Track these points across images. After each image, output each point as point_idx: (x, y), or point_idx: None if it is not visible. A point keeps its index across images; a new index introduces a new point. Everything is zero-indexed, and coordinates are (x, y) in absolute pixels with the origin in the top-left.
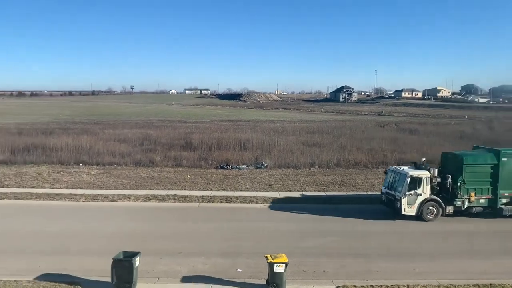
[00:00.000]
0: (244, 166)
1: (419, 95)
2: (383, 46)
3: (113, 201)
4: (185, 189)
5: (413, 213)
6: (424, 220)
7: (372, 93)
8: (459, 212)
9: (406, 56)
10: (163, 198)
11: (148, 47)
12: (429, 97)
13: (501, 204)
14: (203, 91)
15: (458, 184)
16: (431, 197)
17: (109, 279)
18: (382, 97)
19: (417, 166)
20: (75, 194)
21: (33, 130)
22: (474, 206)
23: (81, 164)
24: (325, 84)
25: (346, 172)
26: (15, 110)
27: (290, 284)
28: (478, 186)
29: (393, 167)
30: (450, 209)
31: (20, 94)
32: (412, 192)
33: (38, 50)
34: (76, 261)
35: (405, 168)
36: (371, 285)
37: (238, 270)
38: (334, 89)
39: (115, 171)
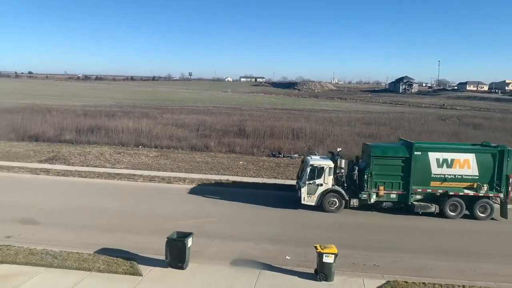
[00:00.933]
0: (296, 155)
1: (485, 88)
2: (448, 35)
3: (169, 183)
4: (237, 175)
5: (313, 203)
6: (326, 211)
7: (434, 85)
8: (370, 206)
9: (472, 47)
10: (216, 182)
11: (206, 36)
12: (496, 91)
13: (414, 201)
14: (258, 79)
15: (365, 176)
16: (333, 188)
17: (162, 257)
18: (444, 89)
19: (333, 156)
20: (134, 175)
21: (97, 113)
22: (384, 201)
23: (140, 146)
24: (384, 74)
25: None
26: (81, 93)
27: (339, 275)
28: (388, 180)
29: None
30: (355, 202)
31: (86, 77)
32: (312, 181)
33: (104, 37)
34: (132, 238)
35: (314, 157)
36: (423, 282)
37: (287, 257)
38: (394, 80)
39: (171, 154)
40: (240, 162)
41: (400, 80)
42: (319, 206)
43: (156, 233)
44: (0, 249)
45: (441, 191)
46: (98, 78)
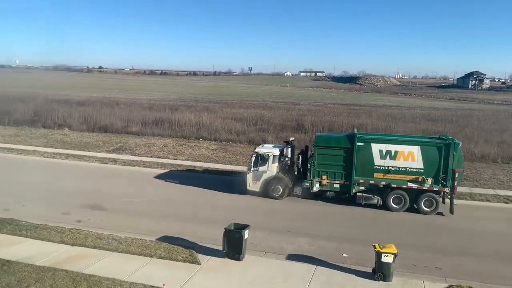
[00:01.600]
0: None
1: None
2: None
3: (227, 175)
4: None
5: (257, 189)
6: (271, 198)
7: (508, 80)
8: (315, 195)
9: None
10: None
11: (266, 30)
12: None
13: (357, 191)
14: (317, 74)
15: (309, 165)
16: (277, 175)
17: (220, 247)
18: None
19: (287, 145)
20: (194, 166)
21: (161, 106)
22: (328, 190)
23: (200, 139)
24: (452, 69)
25: (471, 166)
26: (147, 87)
27: (399, 276)
28: (330, 169)
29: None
30: (298, 190)
31: (152, 72)
32: (256, 168)
33: (169, 34)
34: (191, 227)
35: (266, 145)
36: None
37: (344, 255)
38: (463, 75)
39: (230, 147)
40: None
41: (469, 75)
42: (265, 192)
43: (214, 223)
44: (71, 232)
45: (384, 183)
46: (163, 73)
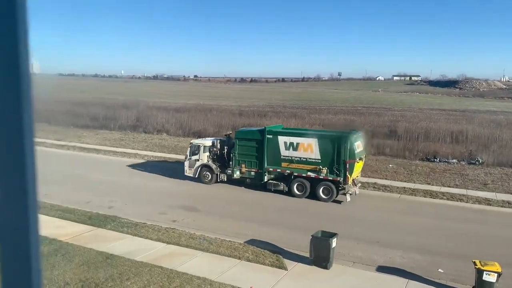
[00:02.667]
0: (454, 160)
1: None
2: None
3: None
4: (386, 178)
5: (192, 175)
6: (202, 183)
7: None
8: (237, 181)
9: None
10: (362, 185)
11: (356, 34)
12: None
13: (268, 179)
14: (412, 78)
15: (231, 155)
16: (206, 163)
17: (307, 254)
18: None
19: (228, 138)
20: None
21: (250, 112)
22: (247, 177)
23: None
24: None
25: None
26: (237, 94)
27: None
28: (248, 159)
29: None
30: (223, 176)
31: (242, 80)
32: (192, 157)
33: (259, 42)
34: (279, 232)
35: (207, 138)
36: None
37: (440, 270)
38: None
39: None
40: (390, 165)
41: None
42: (198, 178)
43: (302, 229)
44: (167, 231)
45: (288, 171)
46: (253, 81)
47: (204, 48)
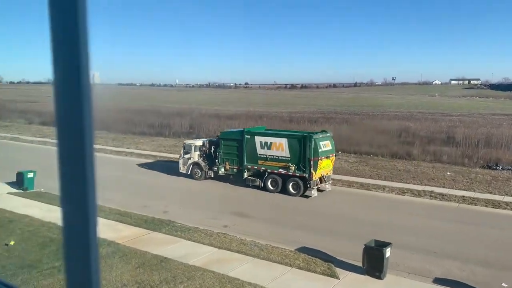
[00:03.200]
0: None
1: None
2: None
3: (367, 189)
4: (443, 187)
5: (185, 172)
6: (194, 179)
7: None
8: (223, 177)
9: None
10: (418, 193)
11: (410, 36)
12: None
13: (247, 175)
14: (471, 81)
15: (217, 154)
16: (196, 161)
17: (359, 263)
18: None
19: (217, 139)
20: (333, 179)
21: (300, 118)
22: (231, 174)
23: (339, 152)
24: None
25: None
26: (287, 100)
27: None
28: (231, 157)
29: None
30: (210, 173)
31: (293, 86)
32: (185, 156)
33: (309, 47)
34: (329, 241)
35: (201, 139)
36: None
37: (503, 285)
38: None
39: (371, 161)
40: (448, 173)
41: None
42: (190, 175)
43: (354, 238)
44: (219, 236)
45: (263, 168)
46: (303, 87)
47: (255, 55)
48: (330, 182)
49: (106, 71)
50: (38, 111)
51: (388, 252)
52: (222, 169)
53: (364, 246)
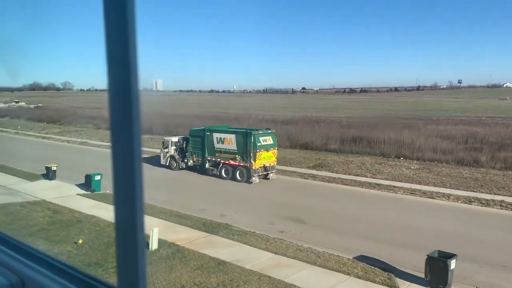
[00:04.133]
0: None
1: None
2: None
3: (430, 197)
4: None
5: (164, 163)
6: (172, 169)
7: None
8: (192, 168)
9: None
10: (487, 203)
11: (475, 35)
12: None
13: (208, 166)
14: None
15: (187, 148)
16: (171, 154)
17: (421, 274)
18: None
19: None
20: (394, 186)
21: (359, 124)
22: (197, 165)
23: (401, 158)
24: None
25: None
26: (346, 105)
27: None
28: (197, 151)
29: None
30: (183, 164)
31: (351, 90)
32: (164, 150)
33: (368, 50)
34: (389, 249)
35: (177, 136)
36: None
37: None
38: None
39: (435, 167)
40: None
41: None
42: (168, 166)
43: (415, 248)
44: (275, 241)
45: (219, 159)
46: (363, 91)
47: (312, 60)
48: (274, 171)
49: (168, 79)
50: (105, 117)
51: (453, 263)
52: (191, 161)
53: (426, 257)
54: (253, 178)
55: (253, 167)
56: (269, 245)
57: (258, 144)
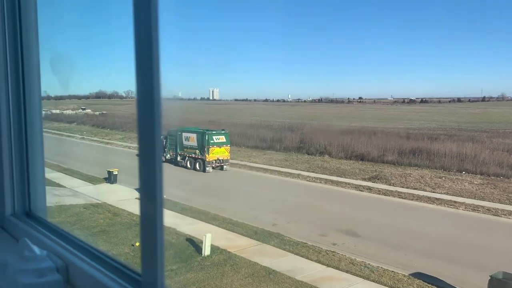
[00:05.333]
0: None
1: None
2: None
3: (495, 215)
4: None
5: None
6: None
7: None
8: (169, 161)
9: None
10: None
11: None
12: None
13: (179, 159)
14: None
15: (166, 145)
16: None
17: None
18: None
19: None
20: (455, 202)
21: (419, 135)
22: (172, 159)
23: (463, 172)
24: None
25: None
26: (405, 116)
27: None
28: (172, 147)
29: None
30: (162, 158)
31: (411, 101)
32: None
33: (426, 57)
34: (448, 268)
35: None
36: None
37: None
38: None
39: (500, 183)
40: None
41: None
42: None
43: (477, 268)
44: (327, 253)
45: (186, 154)
46: (423, 101)
47: (369, 69)
48: (228, 164)
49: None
50: (164, 124)
51: None
52: (168, 155)
53: (489, 278)
54: (207, 168)
55: (207, 159)
56: (320, 257)
57: (211, 141)
